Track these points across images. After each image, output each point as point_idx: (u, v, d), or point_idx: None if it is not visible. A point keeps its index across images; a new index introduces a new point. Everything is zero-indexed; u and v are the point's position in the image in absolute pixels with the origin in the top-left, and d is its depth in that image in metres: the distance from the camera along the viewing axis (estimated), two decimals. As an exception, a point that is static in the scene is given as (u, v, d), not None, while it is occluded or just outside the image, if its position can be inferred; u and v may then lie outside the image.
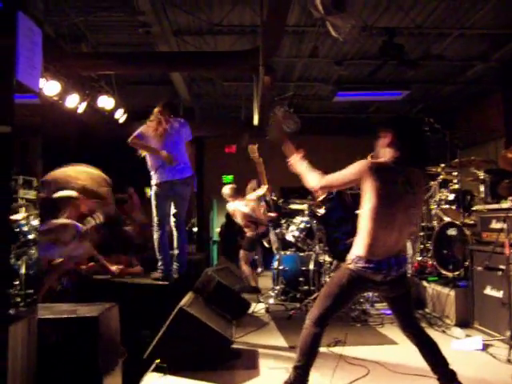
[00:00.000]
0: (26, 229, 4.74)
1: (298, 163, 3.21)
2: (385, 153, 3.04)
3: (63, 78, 6.31)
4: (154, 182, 5.22)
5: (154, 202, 5.15)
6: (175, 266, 5.12)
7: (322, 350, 4.27)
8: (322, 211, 6.06)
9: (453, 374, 2.99)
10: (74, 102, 6.83)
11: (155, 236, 5.05)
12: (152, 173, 5.27)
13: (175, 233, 5.23)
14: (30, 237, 4.29)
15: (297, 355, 3.02)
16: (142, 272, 4.92)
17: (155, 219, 5.08)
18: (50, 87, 6.12)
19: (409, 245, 7.46)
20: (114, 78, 7.95)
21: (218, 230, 12.74)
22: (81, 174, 5.42)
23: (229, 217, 12.29)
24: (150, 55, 7.25)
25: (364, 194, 2.94)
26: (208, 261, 11.17)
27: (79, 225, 4.57)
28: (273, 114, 4.52)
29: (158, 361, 3.82)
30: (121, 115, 8.34)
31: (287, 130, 9.48)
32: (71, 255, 4.50)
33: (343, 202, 6.05)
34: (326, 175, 3.08)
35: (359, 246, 2.95)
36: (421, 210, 3.06)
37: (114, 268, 4.94)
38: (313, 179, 3.09)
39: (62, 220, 4.65)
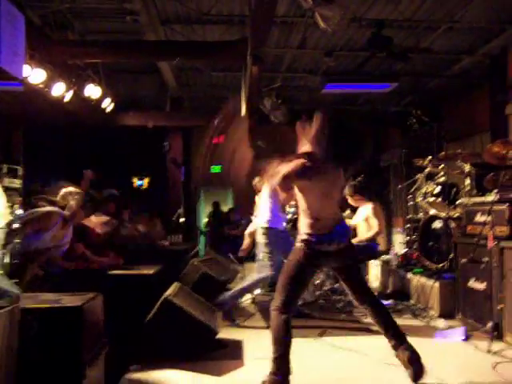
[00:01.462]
0: (10, 217, 4.69)
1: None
2: None
3: (49, 66, 6.23)
4: None
5: None
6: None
7: (307, 340, 4.32)
8: None
9: (403, 336, 3.32)
10: (60, 90, 6.75)
11: None
12: None
13: None
14: (15, 226, 4.25)
15: (272, 347, 3.12)
16: (121, 263, 4.88)
17: None
18: (35, 75, 6.03)
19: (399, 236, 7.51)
20: (101, 67, 7.86)
21: (205, 220, 12.73)
22: None
23: (216, 206, 12.29)
24: (138, 44, 7.17)
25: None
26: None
27: (63, 211, 4.54)
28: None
29: (142, 351, 3.82)
30: (108, 104, 8.27)
31: (275, 121, 9.48)
32: (58, 244, 4.47)
33: None
34: None
35: (304, 226, 3.30)
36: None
37: (105, 259, 4.91)
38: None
39: (46, 208, 4.61)
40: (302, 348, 4.01)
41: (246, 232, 6.27)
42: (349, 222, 6.16)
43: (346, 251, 3.35)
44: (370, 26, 6.71)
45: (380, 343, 4.28)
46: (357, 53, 8.02)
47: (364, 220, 6.15)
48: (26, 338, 2.45)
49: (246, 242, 6.15)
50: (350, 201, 6.36)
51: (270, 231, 5.20)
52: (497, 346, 4.04)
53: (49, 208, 4.60)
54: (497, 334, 4.17)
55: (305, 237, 3.27)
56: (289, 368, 3.08)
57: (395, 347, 3.32)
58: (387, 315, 3.42)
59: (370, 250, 6.07)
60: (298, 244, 3.30)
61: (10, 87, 6.35)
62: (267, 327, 4.82)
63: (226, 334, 4.53)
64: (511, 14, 6.69)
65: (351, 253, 3.43)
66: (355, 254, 3.56)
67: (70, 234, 4.63)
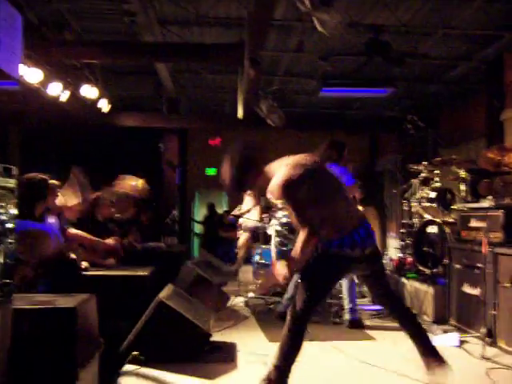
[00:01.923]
0: (4, 217, 4.64)
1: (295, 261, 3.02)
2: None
3: (46, 66, 6.22)
4: None
5: None
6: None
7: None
8: None
9: (434, 348, 3.09)
10: (56, 90, 6.74)
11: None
12: None
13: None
14: (8, 226, 4.19)
15: (278, 354, 2.94)
16: (114, 264, 4.83)
17: None
18: (31, 75, 6.02)
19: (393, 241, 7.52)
20: (97, 67, 7.86)
21: (200, 220, 12.73)
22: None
23: (211, 208, 12.29)
24: (135, 45, 7.17)
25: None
26: (189, 253, 11.15)
27: (54, 227, 4.35)
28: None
29: (135, 353, 3.81)
30: (104, 105, 8.26)
31: (272, 124, 9.49)
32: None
33: None
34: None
35: (324, 231, 2.97)
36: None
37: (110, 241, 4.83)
38: (307, 242, 2.90)
39: (42, 230, 4.37)
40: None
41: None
42: None
43: (372, 256, 3.10)
44: (367, 30, 6.73)
45: (373, 348, 4.30)
46: (354, 57, 8.05)
47: None
48: (18, 340, 2.43)
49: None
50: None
51: None
52: (490, 351, 4.05)
53: (44, 231, 4.37)
54: (490, 339, 4.17)
55: (324, 243, 2.99)
56: (287, 380, 2.93)
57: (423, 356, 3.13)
58: (414, 319, 3.22)
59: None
60: (319, 251, 3.01)
61: (7, 86, 6.33)
62: (261, 331, 4.84)
63: (219, 336, 4.52)
64: (507, 20, 6.73)
65: (378, 257, 3.22)
66: (380, 258, 3.36)
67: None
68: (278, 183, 2.89)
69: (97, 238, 4.68)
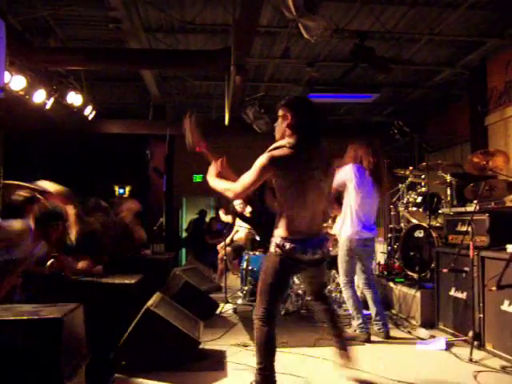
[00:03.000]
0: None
1: (211, 177, 3.27)
2: (284, 134, 3.23)
3: (29, 73, 6.16)
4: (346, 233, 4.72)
5: (345, 258, 4.77)
6: (377, 327, 4.71)
7: (288, 350, 4.29)
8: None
9: (345, 343, 3.44)
10: (41, 97, 6.67)
11: (348, 294, 4.83)
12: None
13: (368, 291, 4.92)
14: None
15: (256, 358, 3.04)
16: (102, 271, 4.76)
17: (345, 277, 4.81)
18: (15, 82, 5.96)
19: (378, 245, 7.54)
20: (83, 74, 7.81)
21: (186, 227, 12.67)
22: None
23: (202, 215, 12.21)
24: (120, 52, 7.15)
25: (276, 180, 3.04)
26: (176, 260, 11.09)
27: (31, 224, 4.29)
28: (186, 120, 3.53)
29: (123, 362, 3.77)
30: (90, 112, 8.21)
31: (258, 130, 9.50)
32: (30, 253, 4.32)
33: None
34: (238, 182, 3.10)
35: (281, 228, 3.01)
36: (329, 184, 3.23)
37: (80, 264, 4.75)
38: (228, 190, 3.11)
39: (16, 225, 4.29)
40: (286, 359, 4.00)
41: None
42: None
43: (323, 260, 3.19)
44: (352, 37, 6.78)
45: (362, 354, 4.29)
46: (339, 63, 8.10)
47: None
48: (2, 351, 2.39)
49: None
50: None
51: None
52: (478, 355, 4.07)
53: (18, 225, 4.29)
54: (478, 343, 4.20)
55: (283, 242, 2.98)
56: (274, 379, 3.03)
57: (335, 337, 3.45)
58: (334, 312, 3.54)
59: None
60: (274, 250, 3.02)
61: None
62: (250, 338, 4.81)
63: (208, 344, 4.48)
64: (490, 28, 6.83)
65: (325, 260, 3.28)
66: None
67: (41, 245, 4.46)
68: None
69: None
